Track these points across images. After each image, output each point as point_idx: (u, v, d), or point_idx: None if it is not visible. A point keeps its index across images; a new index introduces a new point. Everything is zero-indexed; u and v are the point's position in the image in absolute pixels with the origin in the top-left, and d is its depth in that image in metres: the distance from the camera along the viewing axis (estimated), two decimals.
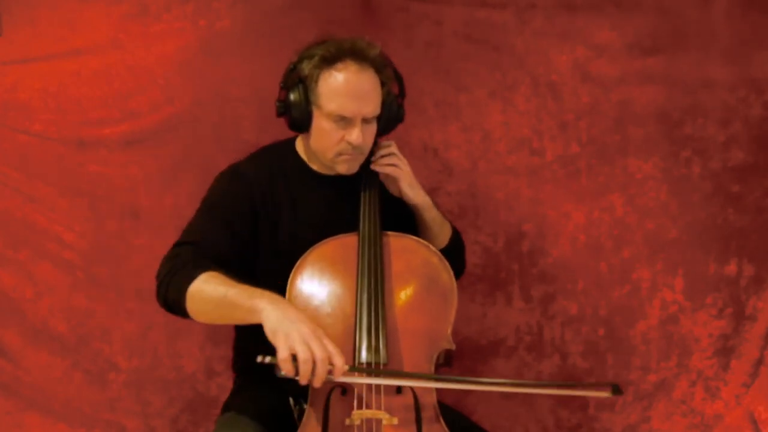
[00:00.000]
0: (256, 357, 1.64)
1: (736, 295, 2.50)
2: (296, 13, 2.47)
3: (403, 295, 1.90)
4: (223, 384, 2.50)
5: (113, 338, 2.54)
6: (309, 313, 1.82)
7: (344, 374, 1.65)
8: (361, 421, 1.71)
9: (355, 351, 1.79)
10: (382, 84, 1.95)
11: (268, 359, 1.63)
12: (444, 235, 2.10)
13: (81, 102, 2.49)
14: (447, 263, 1.94)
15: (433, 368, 1.84)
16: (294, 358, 1.61)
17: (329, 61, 1.89)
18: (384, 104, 1.97)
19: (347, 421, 1.72)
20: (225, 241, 1.91)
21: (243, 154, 2.10)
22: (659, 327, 2.52)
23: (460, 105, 2.52)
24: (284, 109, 1.96)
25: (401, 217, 2.06)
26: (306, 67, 1.91)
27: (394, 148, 2.03)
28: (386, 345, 1.79)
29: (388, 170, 2.01)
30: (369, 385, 1.75)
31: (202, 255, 1.84)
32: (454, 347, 1.87)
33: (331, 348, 1.64)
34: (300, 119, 1.94)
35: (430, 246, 1.98)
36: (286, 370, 1.61)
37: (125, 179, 2.50)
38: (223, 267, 1.79)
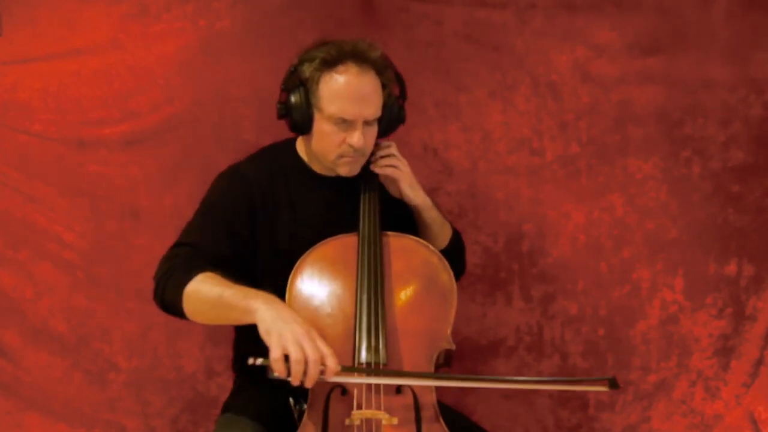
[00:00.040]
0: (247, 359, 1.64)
1: (736, 295, 2.50)
2: (296, 13, 2.47)
3: (402, 295, 1.90)
4: (223, 384, 2.50)
5: (113, 338, 2.54)
6: (309, 313, 1.83)
7: (336, 374, 1.65)
8: (361, 421, 1.71)
9: (354, 351, 1.79)
10: (383, 86, 1.95)
11: (259, 361, 1.63)
12: (444, 236, 2.10)
13: (81, 102, 2.49)
14: (447, 263, 1.95)
15: (432, 368, 1.84)
16: (286, 358, 1.61)
17: (330, 63, 1.89)
18: (385, 106, 1.97)
19: (347, 421, 1.72)
20: (223, 242, 1.91)
21: (243, 154, 2.10)
22: (659, 327, 2.52)
23: (460, 105, 2.52)
24: (285, 111, 1.96)
25: (401, 217, 2.06)
26: (307, 70, 1.91)
27: (393, 149, 2.03)
28: (386, 345, 1.79)
29: (388, 171, 2.01)
30: (369, 385, 1.75)
31: (200, 256, 1.85)
32: (454, 347, 1.87)
33: (325, 349, 1.64)
34: (301, 122, 1.94)
35: (430, 246, 1.98)
36: (278, 370, 1.61)
37: (125, 179, 2.50)
38: (221, 268, 1.80)
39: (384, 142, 2.04)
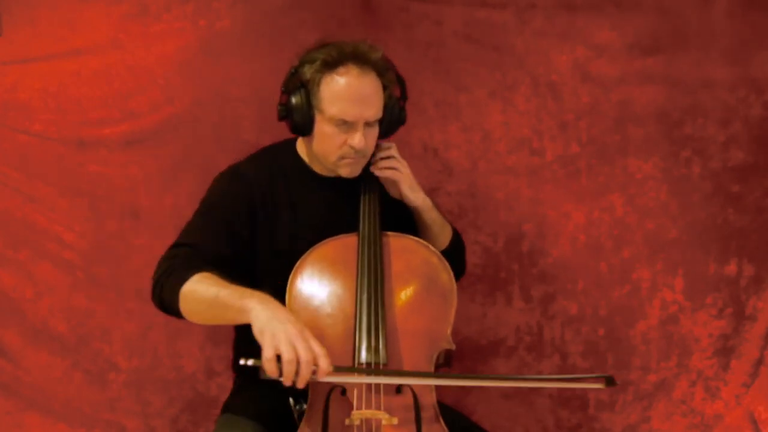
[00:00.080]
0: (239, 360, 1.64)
1: (736, 295, 2.50)
2: (296, 13, 2.47)
3: (402, 295, 1.90)
4: (223, 384, 2.50)
5: (113, 338, 2.54)
6: (309, 313, 1.83)
7: (328, 375, 1.65)
8: (361, 421, 1.71)
9: (354, 351, 1.79)
10: (384, 87, 1.95)
11: (251, 361, 1.63)
12: (445, 237, 2.10)
13: (81, 102, 2.49)
14: (447, 263, 1.95)
15: (432, 368, 1.84)
16: (279, 358, 1.61)
17: (331, 65, 1.89)
18: (386, 107, 1.97)
19: (347, 421, 1.72)
20: (222, 243, 1.91)
21: (243, 154, 2.10)
22: (659, 327, 2.52)
23: (460, 105, 2.52)
24: (286, 113, 1.96)
25: (401, 218, 2.06)
26: (308, 71, 1.91)
27: (393, 151, 2.03)
28: (386, 345, 1.79)
29: (388, 174, 2.01)
30: (369, 385, 1.75)
31: (199, 256, 1.85)
32: (453, 347, 1.87)
33: (318, 349, 1.63)
34: (302, 123, 1.94)
35: (430, 246, 1.98)
36: (269, 371, 1.61)
37: (125, 179, 2.50)
38: (221, 268, 1.80)
39: (384, 144, 2.04)
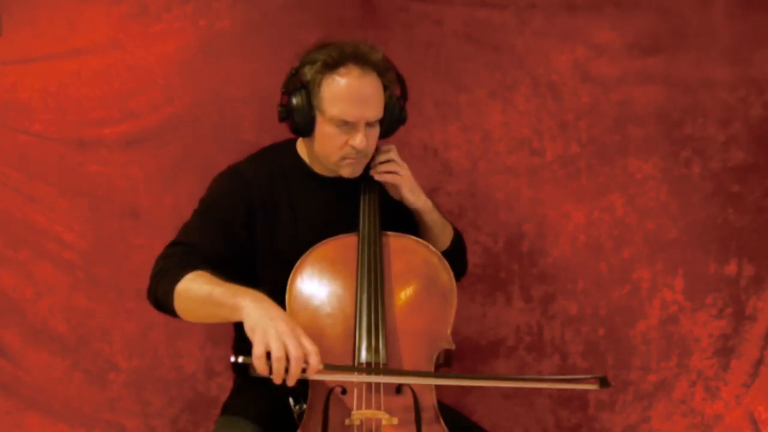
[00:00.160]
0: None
1: (736, 295, 2.50)
2: (296, 13, 2.47)
3: (402, 295, 1.90)
4: (223, 384, 2.50)
5: (113, 338, 2.54)
6: (309, 313, 1.83)
7: (318, 372, 1.65)
8: (361, 421, 1.71)
9: (354, 351, 1.79)
10: (385, 87, 1.95)
11: (241, 359, 1.63)
12: (445, 238, 2.10)
13: (81, 102, 2.49)
14: (447, 263, 1.95)
15: (432, 368, 1.84)
16: (269, 356, 1.61)
17: (331, 66, 1.89)
18: (386, 107, 1.97)
19: (347, 421, 1.72)
20: (220, 242, 1.91)
21: (243, 154, 2.10)
22: (659, 327, 2.52)
23: (460, 105, 2.52)
24: (286, 114, 1.96)
25: (401, 218, 2.06)
26: (308, 72, 1.91)
27: (393, 154, 2.03)
28: (386, 345, 1.79)
29: (388, 178, 2.01)
30: (368, 386, 1.75)
31: (194, 255, 1.85)
32: (453, 347, 1.87)
33: (309, 346, 1.63)
34: (303, 124, 1.94)
35: (430, 246, 1.98)
36: (260, 368, 1.61)
37: (125, 179, 2.50)
38: (218, 268, 1.80)
39: (383, 147, 2.04)
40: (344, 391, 1.77)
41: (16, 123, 2.49)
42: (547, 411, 2.56)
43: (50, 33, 2.48)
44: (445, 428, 1.77)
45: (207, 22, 2.48)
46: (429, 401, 1.79)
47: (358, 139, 1.91)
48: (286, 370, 1.61)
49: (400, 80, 2.01)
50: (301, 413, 1.77)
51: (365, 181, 2.02)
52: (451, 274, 1.94)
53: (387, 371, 1.78)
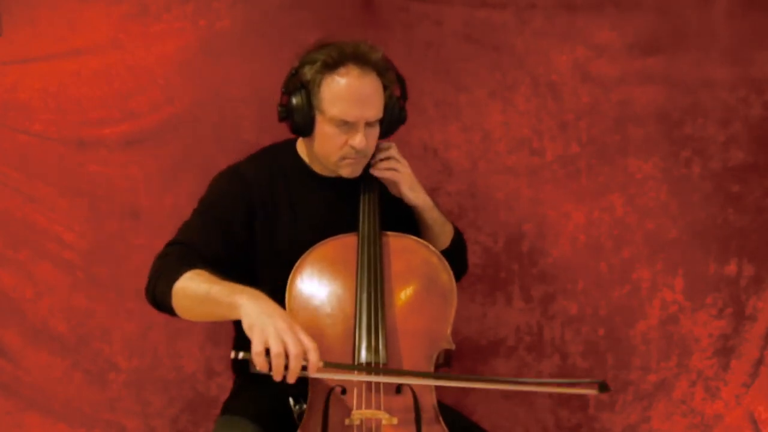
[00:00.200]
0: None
1: (736, 295, 2.50)
2: (296, 12, 2.47)
3: (402, 295, 1.90)
4: (223, 384, 2.50)
5: (113, 338, 2.54)
6: (309, 313, 1.83)
7: (319, 370, 1.65)
8: (361, 421, 1.71)
9: (354, 351, 1.79)
10: (385, 87, 1.95)
11: (241, 355, 1.63)
12: (446, 236, 2.10)
13: (81, 102, 2.49)
14: (447, 263, 1.95)
15: (432, 368, 1.84)
16: (269, 353, 1.61)
17: (331, 66, 1.89)
18: (386, 107, 1.97)
19: (347, 421, 1.72)
20: (218, 242, 1.91)
21: (243, 154, 2.10)
22: (659, 327, 2.52)
23: (460, 105, 2.52)
24: (286, 113, 1.96)
25: (402, 217, 2.06)
26: (308, 72, 1.91)
27: (393, 151, 2.03)
28: (386, 345, 1.79)
29: (387, 174, 2.01)
30: (368, 385, 1.75)
31: (192, 254, 1.85)
32: (453, 347, 1.87)
33: (307, 343, 1.63)
34: (302, 124, 1.94)
35: (430, 246, 1.98)
36: (259, 365, 1.61)
37: (125, 179, 2.50)
38: (217, 267, 1.80)
39: (384, 144, 2.04)
40: (344, 391, 1.77)
41: (16, 123, 2.50)
42: (547, 411, 2.56)
43: (50, 33, 2.48)
44: (445, 428, 1.77)
45: (207, 22, 2.48)
46: (429, 401, 1.79)
47: (358, 139, 1.91)
48: (286, 367, 1.61)
49: (400, 80, 2.02)
50: (301, 413, 1.77)
51: (365, 180, 2.02)
52: (451, 274, 1.94)
53: (387, 371, 1.78)
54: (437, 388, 1.83)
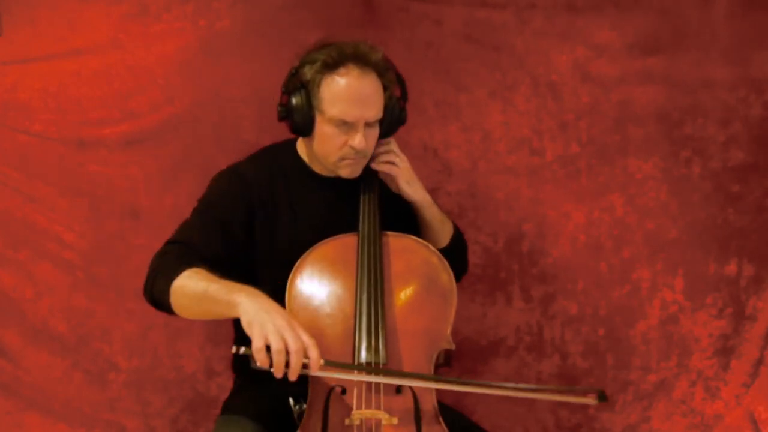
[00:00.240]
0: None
1: (736, 295, 2.50)
2: (296, 12, 2.47)
3: (402, 295, 1.90)
4: (223, 384, 2.50)
5: (113, 338, 2.54)
6: (308, 313, 1.83)
7: (321, 368, 1.65)
8: (361, 421, 1.71)
9: (354, 351, 1.79)
10: (385, 88, 1.95)
11: (242, 350, 1.64)
12: (445, 234, 2.10)
13: (81, 102, 2.49)
14: (447, 263, 1.95)
15: (432, 368, 1.84)
16: (268, 349, 1.61)
17: (331, 66, 1.89)
18: (386, 108, 1.97)
19: (347, 421, 1.72)
20: (217, 242, 1.91)
21: (243, 154, 2.10)
22: (659, 327, 2.52)
23: (460, 105, 2.52)
24: (286, 113, 1.96)
25: (402, 214, 2.06)
26: (308, 72, 1.91)
27: (392, 146, 2.04)
28: (386, 345, 1.79)
29: (385, 168, 2.01)
30: (368, 385, 1.75)
31: (191, 254, 1.85)
32: (453, 347, 1.87)
33: (307, 339, 1.63)
34: (302, 124, 1.94)
35: (430, 246, 1.98)
36: (260, 360, 1.61)
37: (125, 179, 2.50)
38: (216, 267, 1.80)
39: (383, 140, 2.04)
40: (344, 391, 1.77)
41: (16, 123, 2.50)
42: (547, 411, 2.56)
43: (50, 33, 2.48)
44: (445, 428, 1.77)
45: (207, 22, 2.48)
46: (429, 401, 1.79)
47: (357, 140, 1.91)
48: (287, 364, 1.61)
49: (400, 80, 2.02)
50: (301, 413, 1.77)
51: (365, 180, 2.02)
52: (451, 274, 1.94)
53: (388, 371, 1.78)
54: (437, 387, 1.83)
